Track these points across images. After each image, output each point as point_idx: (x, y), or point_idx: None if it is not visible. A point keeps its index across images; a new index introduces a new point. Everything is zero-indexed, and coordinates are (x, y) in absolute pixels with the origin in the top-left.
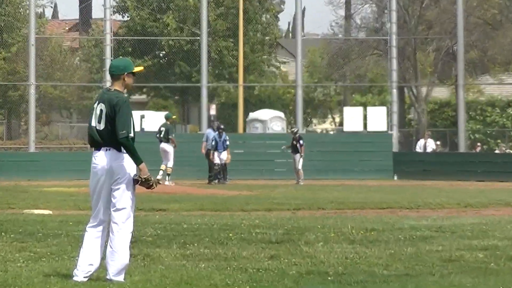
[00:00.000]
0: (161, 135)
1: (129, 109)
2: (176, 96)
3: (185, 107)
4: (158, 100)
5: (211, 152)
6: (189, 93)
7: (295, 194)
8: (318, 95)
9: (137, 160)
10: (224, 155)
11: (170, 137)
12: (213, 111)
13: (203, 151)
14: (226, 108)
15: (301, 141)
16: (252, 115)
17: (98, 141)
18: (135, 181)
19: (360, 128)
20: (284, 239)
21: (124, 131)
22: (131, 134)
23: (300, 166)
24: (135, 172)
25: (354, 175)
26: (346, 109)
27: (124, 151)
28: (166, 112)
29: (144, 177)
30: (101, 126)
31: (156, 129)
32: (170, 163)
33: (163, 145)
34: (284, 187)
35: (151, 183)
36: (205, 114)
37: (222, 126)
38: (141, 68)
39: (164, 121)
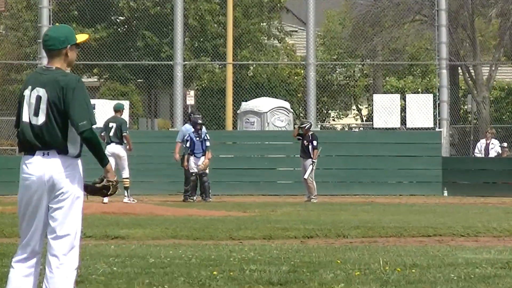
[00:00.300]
0: (110, 133)
1: (85, 92)
2: (140, 79)
3: (152, 94)
4: (114, 84)
5: (186, 156)
6: (158, 75)
7: (305, 215)
8: (337, 77)
9: (103, 160)
10: (202, 161)
11: (124, 134)
12: (191, 100)
13: (177, 155)
14: (209, 95)
15: (314, 142)
16: (245, 105)
17: (33, 142)
18: (104, 188)
19: (396, 123)
20: (289, 279)
21: (84, 122)
22: (94, 125)
23: (307, 176)
24: (81, 185)
25: (388, 190)
26: (377, 98)
27: (72, 154)
28: (116, 102)
29: (114, 179)
30: (40, 120)
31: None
32: (126, 173)
33: (114, 147)
34: (290, 206)
35: (117, 187)
36: (179, 103)
37: (200, 121)
38: (85, 36)
39: (112, 113)
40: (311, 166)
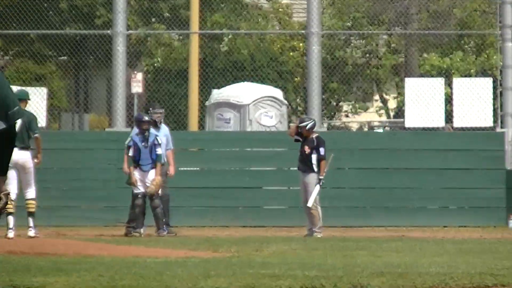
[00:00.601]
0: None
1: None
2: (63, 56)
3: (80, 78)
4: (25, 63)
5: (130, 169)
6: (90, 50)
7: (305, 257)
8: (353, 53)
9: (7, 166)
10: (152, 176)
11: (36, 135)
12: (137, 87)
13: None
14: (165, 80)
15: (321, 149)
16: (217, 94)
17: None
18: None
19: (438, 122)
20: None
21: (15, 109)
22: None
23: (312, 202)
24: None
25: (426, 219)
26: (411, 83)
27: None
28: (20, 89)
29: (5, 193)
30: None
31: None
32: (32, 192)
33: (17, 154)
34: (283, 243)
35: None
36: (121, 92)
37: (146, 118)
38: None
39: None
40: (317, 186)
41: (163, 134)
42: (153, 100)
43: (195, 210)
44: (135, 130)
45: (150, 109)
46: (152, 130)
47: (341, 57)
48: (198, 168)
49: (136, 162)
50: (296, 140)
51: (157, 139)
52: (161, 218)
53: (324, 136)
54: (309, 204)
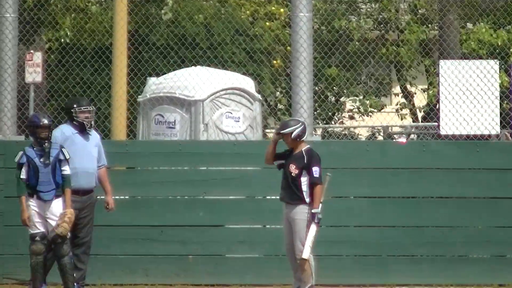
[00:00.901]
0: None
1: None
2: None
3: None
4: None
5: (22, 200)
6: None
7: None
8: (360, 23)
9: None
10: (58, 208)
11: None
12: (35, 74)
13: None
14: (77, 63)
15: (314, 169)
16: (156, 85)
17: None
18: None
19: (490, 127)
20: None
21: None
22: None
23: (308, 252)
24: None
25: (472, 272)
26: (448, 68)
27: None
28: None
29: None
30: None
31: None
32: None
33: None
34: None
35: None
36: (10, 82)
37: (46, 121)
38: None
39: None
40: (313, 226)
41: (93, 143)
42: (57, 92)
43: (123, 260)
44: (56, 137)
45: (75, 106)
46: (67, 138)
47: (343, 29)
48: (126, 197)
49: (32, 188)
50: (280, 166)
51: (63, 153)
52: (70, 272)
53: (318, 149)
54: (304, 254)
